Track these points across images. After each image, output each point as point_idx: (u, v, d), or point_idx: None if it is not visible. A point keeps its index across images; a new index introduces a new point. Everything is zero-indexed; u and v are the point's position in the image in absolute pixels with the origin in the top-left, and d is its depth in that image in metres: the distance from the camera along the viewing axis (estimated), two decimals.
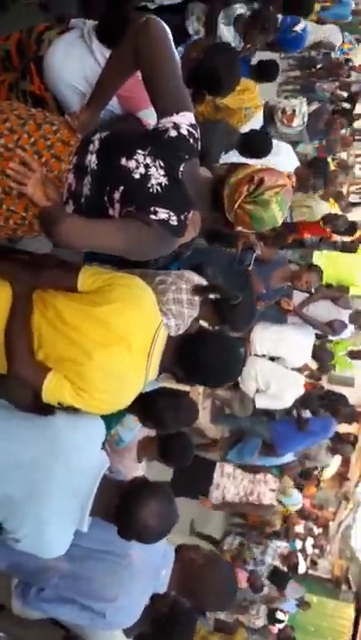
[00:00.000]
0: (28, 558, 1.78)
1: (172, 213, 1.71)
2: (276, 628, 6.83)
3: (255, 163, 2.04)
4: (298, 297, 5.18)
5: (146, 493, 1.64)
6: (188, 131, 1.72)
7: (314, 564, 14.84)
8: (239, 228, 1.72)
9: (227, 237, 3.07)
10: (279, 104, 5.23)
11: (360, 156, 12.17)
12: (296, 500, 6.01)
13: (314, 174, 4.74)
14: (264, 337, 5.23)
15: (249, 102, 3.75)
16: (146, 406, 2.19)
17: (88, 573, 1.83)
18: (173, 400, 2.27)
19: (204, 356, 1.78)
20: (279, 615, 6.58)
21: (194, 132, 1.74)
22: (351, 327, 5.40)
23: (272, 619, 6.53)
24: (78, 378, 1.69)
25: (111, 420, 2.01)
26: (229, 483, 5.40)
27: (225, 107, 3.56)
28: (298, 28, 4.60)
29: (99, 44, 2.54)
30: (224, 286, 2.33)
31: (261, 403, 5.27)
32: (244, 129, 3.66)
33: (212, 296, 2.42)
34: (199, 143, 1.76)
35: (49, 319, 1.72)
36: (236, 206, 1.69)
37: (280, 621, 6.76)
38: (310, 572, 13.56)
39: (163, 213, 1.71)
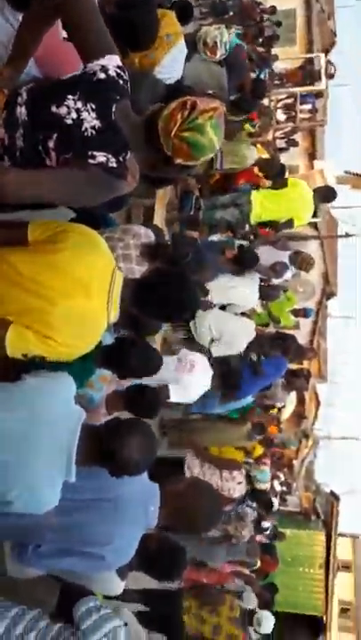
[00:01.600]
0: (18, 519, 1.83)
1: (110, 156, 1.70)
2: (262, 538, 7.11)
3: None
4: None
5: (123, 431, 1.71)
6: (116, 72, 1.71)
7: (284, 500, 15.64)
8: (179, 161, 1.71)
9: (164, 181, 3.05)
10: (200, 34, 5.07)
11: (281, 101, 12.25)
12: (266, 477, 6.24)
13: (240, 110, 4.78)
14: (214, 287, 5.35)
15: (168, 28, 3.66)
16: (113, 355, 2.23)
17: (81, 522, 1.89)
18: (139, 347, 2.31)
19: (163, 291, 1.82)
20: (264, 524, 6.85)
21: (122, 73, 1.73)
22: (292, 268, 5.59)
23: (258, 529, 6.82)
24: (43, 326, 1.70)
25: (79, 379, 2.04)
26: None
27: None
28: None
29: (11, 10, 2.45)
30: (171, 246, 2.36)
31: (217, 351, 5.41)
32: (169, 59, 3.57)
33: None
34: (129, 84, 1.76)
35: (4, 274, 1.72)
36: (172, 136, 1.68)
37: (265, 529, 7.08)
38: (281, 508, 14.31)
39: (100, 157, 1.69)
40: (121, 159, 1.74)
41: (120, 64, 1.73)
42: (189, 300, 1.87)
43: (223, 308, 5.57)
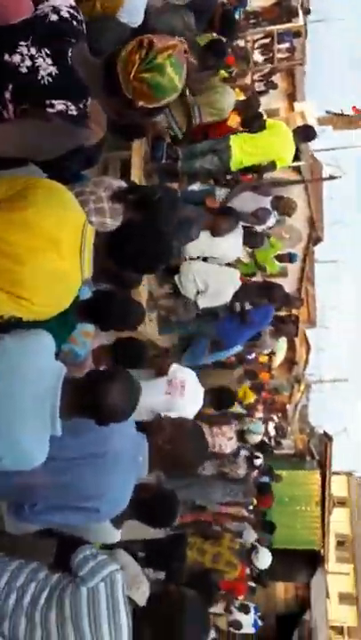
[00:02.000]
0: (11, 479, 1.87)
1: (69, 103, 1.64)
2: (256, 472, 7.39)
3: None
4: (220, 194, 5.21)
5: (104, 380, 1.71)
6: (69, 13, 1.64)
7: (278, 444, 16.09)
8: (141, 103, 1.65)
9: (135, 130, 2.96)
10: None
11: (258, 41, 11.82)
12: (259, 428, 6.35)
13: (213, 55, 4.60)
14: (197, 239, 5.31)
15: None
16: (93, 308, 2.22)
17: (73, 479, 1.93)
18: (118, 299, 2.29)
19: (136, 241, 1.79)
20: (257, 462, 7.10)
21: (75, 13, 1.66)
22: (275, 213, 5.53)
23: (251, 467, 7.10)
24: (15, 286, 1.67)
25: (59, 336, 2.04)
26: None
27: None
28: None
29: None
30: (141, 186, 2.30)
31: (203, 303, 5.43)
32: (130, 2, 3.42)
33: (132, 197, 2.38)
34: (83, 25, 1.68)
35: None
36: (131, 78, 1.61)
37: (258, 466, 7.38)
38: (276, 451, 14.74)
39: (59, 105, 1.63)
40: (81, 106, 1.67)
41: (73, 4, 1.64)
42: (163, 250, 1.84)
43: (207, 259, 5.55)
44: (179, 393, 3.63)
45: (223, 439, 5.84)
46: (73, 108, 1.64)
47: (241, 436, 6.08)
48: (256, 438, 6.48)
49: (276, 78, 12.53)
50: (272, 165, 5.10)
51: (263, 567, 7.57)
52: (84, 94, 1.68)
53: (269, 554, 7.51)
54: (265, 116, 5.73)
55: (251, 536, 7.32)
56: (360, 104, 12.70)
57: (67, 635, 1.90)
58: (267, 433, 10.96)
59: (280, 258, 7.86)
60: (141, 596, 2.30)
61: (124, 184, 2.44)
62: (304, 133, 5.53)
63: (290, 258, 8.10)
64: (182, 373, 3.80)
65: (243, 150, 5.05)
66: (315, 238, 16.26)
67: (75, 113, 1.65)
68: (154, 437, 2.10)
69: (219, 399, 5.57)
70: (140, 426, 2.16)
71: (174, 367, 3.84)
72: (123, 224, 1.86)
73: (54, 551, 2.22)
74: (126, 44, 1.62)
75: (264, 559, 7.43)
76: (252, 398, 8.52)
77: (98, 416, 1.71)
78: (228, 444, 5.88)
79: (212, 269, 5.43)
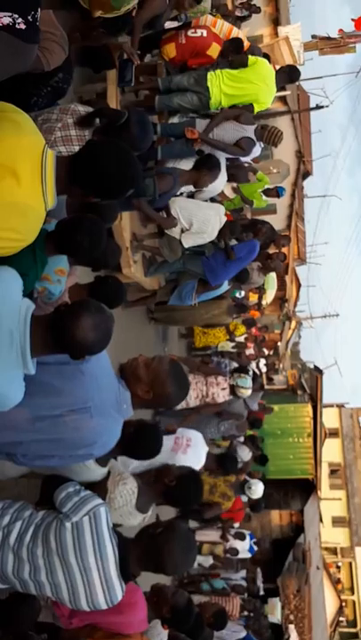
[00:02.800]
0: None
1: (15, 15, 1.50)
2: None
3: None
4: (201, 124, 4.99)
5: (73, 314, 1.65)
6: None
7: (270, 380, 16.39)
8: (99, 13, 1.53)
9: (102, 58, 2.78)
10: None
11: None
12: (247, 383, 6.51)
13: None
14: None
15: None
16: (61, 237, 2.11)
17: (62, 435, 1.92)
18: (88, 225, 2.17)
19: (101, 161, 1.66)
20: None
21: None
22: (260, 144, 5.33)
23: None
24: None
25: (30, 273, 1.97)
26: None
27: None
28: None
29: None
30: (107, 107, 2.15)
31: (188, 241, 5.33)
32: None
33: (99, 122, 2.23)
34: None
35: None
36: None
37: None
38: (268, 386, 15.03)
39: (5, 18, 1.49)
40: (30, 19, 1.51)
41: None
42: (130, 171, 1.71)
43: (192, 196, 5.41)
44: (182, 450, 3.78)
45: (217, 389, 6.05)
46: (20, 20, 1.51)
47: (232, 389, 6.25)
48: (246, 392, 6.70)
49: (259, 1, 11.85)
50: (249, 108, 4.85)
51: (257, 496, 7.88)
52: (32, 5, 1.53)
53: (262, 485, 7.80)
54: (246, 44, 5.43)
55: (245, 453, 7.61)
56: (347, 29, 12.04)
57: (54, 568, 1.95)
58: (258, 369, 11.12)
59: (268, 192, 7.69)
60: (129, 490, 2.37)
61: (90, 109, 2.29)
62: (287, 75, 5.23)
63: (277, 192, 7.92)
64: (190, 434, 3.96)
65: (221, 91, 4.79)
66: (303, 172, 15.91)
67: (23, 27, 1.51)
68: (133, 387, 2.08)
69: (222, 462, 5.93)
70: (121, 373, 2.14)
71: (181, 430, 3.99)
72: (85, 145, 1.71)
73: (39, 490, 2.25)
74: None
75: (257, 491, 7.73)
76: (243, 331, 8.61)
77: (70, 350, 1.66)
78: (221, 393, 6.08)
79: (196, 206, 5.29)
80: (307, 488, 14.18)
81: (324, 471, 18.40)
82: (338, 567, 24.03)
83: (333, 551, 23.88)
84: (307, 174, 16.84)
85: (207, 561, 8.29)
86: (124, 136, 2.24)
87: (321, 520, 16.20)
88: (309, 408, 14.25)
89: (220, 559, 7.82)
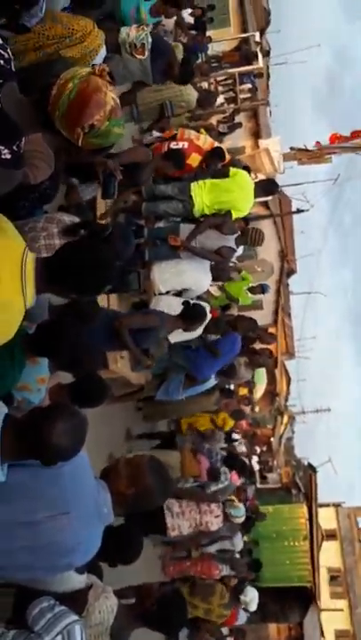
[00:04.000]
0: None
1: (2, 147, 1.61)
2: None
3: None
4: (184, 231, 5.27)
5: (46, 419, 1.64)
6: None
7: (264, 478, 15.92)
8: (88, 150, 1.67)
9: (87, 171, 2.98)
10: (123, 37, 5.11)
11: (220, 83, 12.23)
12: (240, 513, 6.72)
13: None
14: (163, 275, 5.33)
15: (92, 45, 3.62)
16: (41, 340, 2.14)
17: (39, 543, 1.85)
18: (69, 327, 2.20)
19: (74, 261, 1.74)
20: (235, 435, 7.17)
21: (3, 52, 1.64)
22: (240, 249, 5.59)
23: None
24: None
25: (8, 375, 1.97)
26: (181, 520, 5.95)
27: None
28: None
29: None
30: (93, 221, 2.27)
31: (175, 338, 5.40)
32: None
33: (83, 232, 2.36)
34: (12, 64, 1.68)
35: None
36: (79, 143, 1.64)
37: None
38: (261, 486, 14.55)
39: None
40: (15, 148, 1.65)
41: (0, 42, 1.65)
42: (102, 266, 1.78)
43: (179, 294, 5.56)
44: None
45: (211, 517, 6.12)
46: (6, 151, 1.62)
47: (225, 516, 6.41)
48: (239, 520, 6.81)
49: (241, 118, 12.92)
50: (227, 216, 5.19)
51: (253, 609, 7.50)
52: (17, 136, 1.66)
53: (255, 590, 7.46)
54: (228, 157, 5.88)
55: (239, 543, 7.39)
56: (322, 141, 13.08)
57: None
58: (250, 467, 10.83)
59: (253, 290, 7.94)
60: (109, 607, 2.21)
61: (76, 219, 2.42)
62: (265, 187, 5.71)
63: (262, 289, 8.19)
64: None
65: (204, 201, 5.14)
66: (287, 270, 16.54)
67: (8, 157, 1.63)
68: (114, 484, 2.03)
69: None
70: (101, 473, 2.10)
71: None
72: (61, 246, 1.79)
73: (12, 604, 2.10)
74: (57, 96, 1.61)
75: (253, 602, 7.41)
76: (231, 424, 8.51)
77: (42, 457, 1.64)
78: (214, 521, 6.13)
79: (180, 304, 5.43)
80: (305, 597, 13.29)
81: (324, 578, 17.36)
82: None
83: None
84: (291, 272, 17.50)
85: None
86: (107, 244, 2.36)
87: (323, 634, 15.01)
88: (305, 508, 13.71)
89: None
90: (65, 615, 1.92)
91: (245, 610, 7.56)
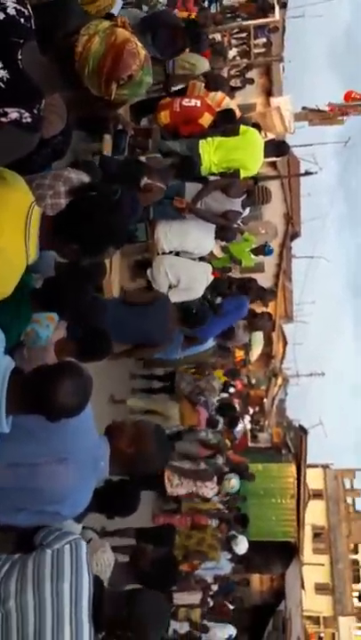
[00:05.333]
0: None
1: (22, 110, 1.57)
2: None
3: None
4: (190, 191, 5.20)
5: (53, 377, 1.67)
6: (16, 10, 1.55)
7: (255, 437, 16.25)
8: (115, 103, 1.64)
9: (99, 124, 2.91)
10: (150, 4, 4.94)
11: (234, 35, 11.80)
12: (237, 485, 7.55)
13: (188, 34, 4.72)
14: (168, 234, 5.31)
15: (105, 2, 3.50)
16: (48, 295, 2.16)
17: (36, 484, 1.91)
18: (73, 285, 2.21)
19: (84, 219, 1.73)
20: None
21: (23, 9, 1.58)
22: (247, 210, 5.54)
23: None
24: None
25: (12, 328, 2.00)
26: (180, 489, 6.59)
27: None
28: None
29: None
30: (101, 183, 2.24)
31: (176, 297, 5.42)
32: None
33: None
34: (32, 21, 1.63)
35: None
36: (111, 96, 1.60)
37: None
38: (252, 444, 14.88)
39: (13, 113, 1.55)
40: (35, 111, 1.60)
41: None
42: (114, 228, 1.77)
43: (179, 253, 5.55)
44: None
45: (207, 489, 6.76)
46: (27, 115, 1.58)
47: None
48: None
49: (253, 73, 12.54)
50: (235, 174, 5.09)
51: (242, 552, 7.96)
52: (38, 98, 1.61)
53: (246, 540, 7.88)
54: (238, 113, 5.75)
55: (234, 485, 7.99)
56: (336, 101, 12.73)
57: (25, 590, 1.84)
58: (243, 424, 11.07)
59: (256, 251, 7.90)
60: (106, 561, 2.33)
61: (85, 178, 2.39)
62: (276, 148, 5.57)
63: (265, 250, 8.14)
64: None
65: (212, 159, 5.03)
66: (292, 234, 16.37)
67: (29, 120, 1.59)
68: (116, 441, 2.09)
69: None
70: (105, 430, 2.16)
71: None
72: (69, 204, 1.78)
73: (14, 542, 2.20)
74: (85, 53, 1.56)
75: (243, 545, 7.86)
76: (223, 380, 8.77)
77: (47, 413, 1.67)
78: (210, 492, 6.83)
79: (184, 264, 5.43)
80: (289, 551, 13.81)
81: (308, 534, 17.98)
82: (320, 638, 23.04)
83: (316, 620, 22.94)
84: (295, 236, 17.33)
85: (183, 627, 7.99)
86: (115, 213, 2.33)
87: (303, 586, 15.69)
88: (293, 468, 14.07)
89: (197, 626, 7.54)
90: (71, 533, 2.00)
91: (232, 557, 7.98)
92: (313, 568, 20.60)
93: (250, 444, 13.17)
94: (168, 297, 4.90)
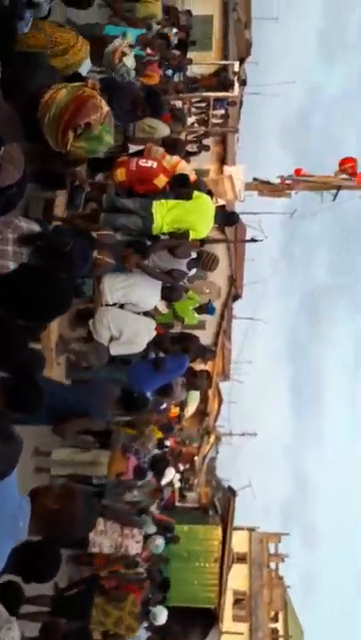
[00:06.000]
0: None
1: None
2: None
3: None
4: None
5: None
6: None
7: (183, 496, 15.96)
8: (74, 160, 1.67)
9: (55, 177, 2.95)
10: (110, 46, 5.14)
11: (194, 104, 12.41)
12: (160, 549, 7.39)
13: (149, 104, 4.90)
14: (114, 286, 5.33)
15: (74, 59, 3.62)
16: None
17: None
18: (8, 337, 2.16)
19: (27, 288, 1.73)
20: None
21: None
22: (193, 271, 5.68)
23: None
24: None
25: None
26: (103, 538, 6.11)
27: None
28: None
29: None
30: (52, 233, 2.24)
31: (116, 350, 5.40)
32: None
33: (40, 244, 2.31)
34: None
35: None
36: (68, 148, 1.63)
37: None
38: (180, 504, 14.58)
39: None
40: None
41: None
42: (56, 297, 1.77)
43: (123, 306, 5.57)
44: None
45: (132, 541, 6.32)
46: None
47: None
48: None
49: (209, 141, 13.16)
50: (185, 235, 5.26)
51: (160, 623, 7.66)
52: None
53: (165, 611, 7.57)
54: (193, 177, 5.97)
55: (151, 529, 7.66)
56: (286, 174, 13.51)
57: None
58: (171, 485, 10.88)
59: (199, 309, 8.03)
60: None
61: (36, 228, 2.37)
62: (226, 218, 5.87)
63: (208, 310, 8.30)
64: None
65: (164, 220, 5.19)
66: (234, 295, 16.83)
67: None
68: (41, 498, 2.00)
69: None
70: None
71: None
72: (19, 267, 1.76)
73: None
74: (52, 97, 1.61)
75: (162, 616, 7.53)
76: (159, 435, 8.60)
77: None
78: (134, 546, 6.33)
79: (128, 317, 5.45)
80: (208, 619, 13.38)
81: (229, 600, 17.53)
82: None
83: None
84: (237, 297, 17.81)
85: None
86: (65, 261, 2.32)
87: None
88: (219, 531, 13.83)
89: None
90: None
91: (149, 626, 7.63)
92: (232, 637, 19.98)
93: (177, 504, 12.91)
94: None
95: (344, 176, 12.44)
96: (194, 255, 5.74)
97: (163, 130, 6.22)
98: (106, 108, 1.69)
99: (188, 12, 10.44)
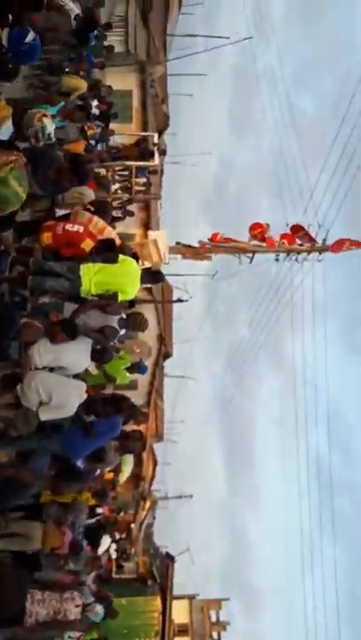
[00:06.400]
0: None
1: None
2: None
3: None
4: (68, 309, 5.32)
5: None
6: None
7: (120, 567, 15.22)
8: None
9: None
10: (32, 128, 5.30)
11: (118, 172, 12.87)
12: (99, 617, 7.20)
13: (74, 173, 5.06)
14: (42, 349, 5.25)
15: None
16: None
17: None
18: None
19: None
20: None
21: None
22: (122, 331, 5.75)
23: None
24: None
25: None
26: (40, 608, 5.68)
27: None
28: (28, 39, 4.64)
29: None
30: None
31: (46, 415, 5.25)
32: None
33: None
34: None
35: None
36: None
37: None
38: (117, 576, 13.88)
39: None
40: None
41: None
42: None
43: (53, 369, 5.48)
44: None
45: (71, 605, 5.85)
46: None
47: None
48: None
49: (134, 207, 13.60)
50: (114, 297, 5.39)
51: None
52: None
53: None
54: (118, 242, 6.15)
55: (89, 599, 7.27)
56: (205, 239, 14.20)
57: None
58: (107, 552, 10.44)
59: (131, 368, 8.04)
60: None
61: None
62: (152, 277, 6.15)
63: (140, 369, 8.31)
64: None
65: (92, 282, 5.30)
66: (164, 353, 16.98)
67: None
68: None
69: None
70: None
71: None
72: None
73: None
74: None
75: None
76: (92, 502, 8.30)
77: None
78: (74, 610, 5.86)
79: (57, 380, 5.34)
80: None
81: None
82: None
83: None
84: (167, 355, 17.98)
85: None
86: None
87: None
88: (159, 601, 13.26)
89: None
90: None
91: None
92: None
93: (115, 575, 12.30)
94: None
95: (255, 242, 13.36)
96: (123, 316, 5.83)
97: (90, 195, 6.45)
98: (20, 159, 1.73)
99: (110, 87, 10.99)
